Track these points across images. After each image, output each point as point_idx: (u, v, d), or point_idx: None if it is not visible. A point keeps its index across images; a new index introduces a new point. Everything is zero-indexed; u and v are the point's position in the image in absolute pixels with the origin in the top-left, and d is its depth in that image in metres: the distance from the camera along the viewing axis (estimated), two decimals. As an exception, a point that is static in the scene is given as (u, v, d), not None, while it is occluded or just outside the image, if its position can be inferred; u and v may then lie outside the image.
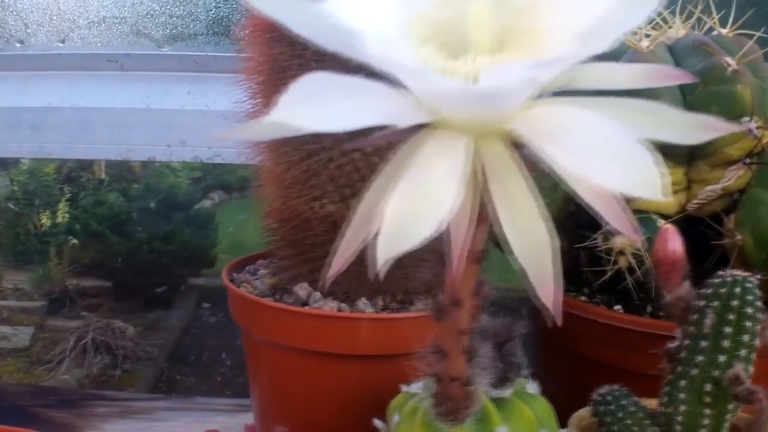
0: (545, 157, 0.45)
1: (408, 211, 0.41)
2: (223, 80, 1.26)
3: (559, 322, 0.45)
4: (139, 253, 2.62)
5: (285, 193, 0.89)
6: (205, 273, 2.85)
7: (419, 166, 0.43)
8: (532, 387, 0.75)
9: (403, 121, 0.42)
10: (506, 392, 0.71)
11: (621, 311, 1.00)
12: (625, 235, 0.47)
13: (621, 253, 0.94)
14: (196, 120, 1.21)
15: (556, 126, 0.41)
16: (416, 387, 0.76)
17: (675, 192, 0.95)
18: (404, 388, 0.78)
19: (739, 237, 0.91)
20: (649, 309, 1.01)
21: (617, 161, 0.40)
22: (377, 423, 0.78)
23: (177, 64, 1.25)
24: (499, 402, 0.70)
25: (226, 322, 2.49)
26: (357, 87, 0.42)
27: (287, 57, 0.86)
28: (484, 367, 0.68)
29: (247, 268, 1.01)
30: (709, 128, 0.43)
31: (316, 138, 0.86)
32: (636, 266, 0.93)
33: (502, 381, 0.70)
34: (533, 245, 0.45)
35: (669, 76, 0.48)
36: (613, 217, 0.45)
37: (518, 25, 0.45)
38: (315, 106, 0.40)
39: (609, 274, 0.95)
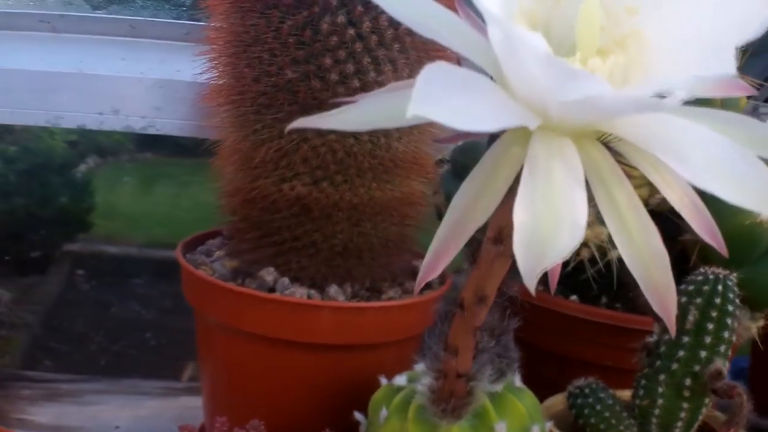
0: (639, 160, 0.44)
1: (540, 223, 0.39)
2: (160, 47, 1.20)
3: (673, 332, 0.45)
4: (14, 216, 2.51)
5: (252, 173, 0.84)
6: (81, 238, 2.75)
7: (538, 172, 0.40)
8: (518, 380, 0.74)
9: (533, 122, 0.40)
10: (498, 386, 0.70)
11: (577, 301, 1.00)
12: (713, 245, 0.46)
13: (584, 244, 0.94)
14: (130, 88, 1.15)
15: (667, 135, 0.40)
16: (401, 380, 0.74)
17: (638, 186, 0.95)
18: (385, 380, 0.76)
19: (701, 233, 0.93)
20: (604, 300, 1.02)
21: (734, 176, 0.39)
22: (358, 416, 0.76)
23: (112, 27, 1.18)
24: (492, 397, 0.69)
25: (100, 289, 2.43)
26: (481, 84, 0.39)
27: (262, 29, 0.82)
28: (485, 362, 0.67)
29: (199, 248, 0.96)
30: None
31: (288, 116, 0.82)
32: (599, 258, 0.93)
33: (497, 376, 0.69)
34: (647, 256, 0.44)
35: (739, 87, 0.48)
36: (703, 228, 0.44)
37: (621, 27, 0.44)
38: (454, 102, 0.37)
39: (571, 265, 0.95)
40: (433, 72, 0.37)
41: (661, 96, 0.38)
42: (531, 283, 0.39)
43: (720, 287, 0.76)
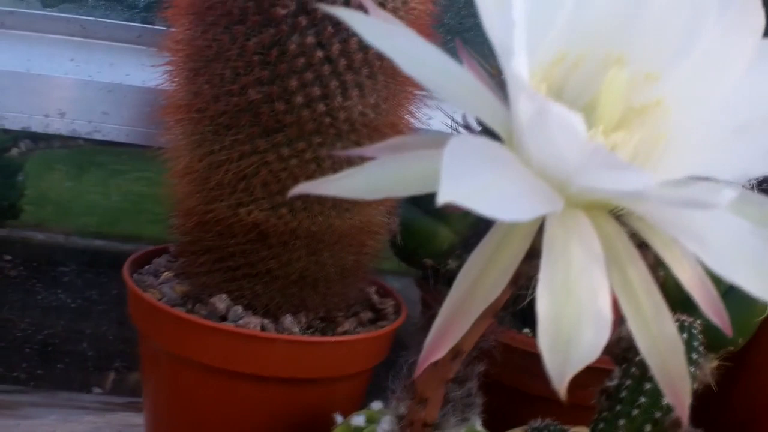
0: (651, 237, 0.42)
1: (563, 316, 0.37)
2: (110, 49, 1.15)
3: (685, 424, 0.43)
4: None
5: (208, 195, 0.81)
6: (9, 224, 2.68)
7: (556, 256, 0.38)
8: (479, 423, 0.72)
9: (559, 206, 0.37)
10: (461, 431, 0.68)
11: (529, 335, 0.98)
12: (720, 326, 0.44)
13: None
14: (78, 90, 1.10)
15: (687, 218, 0.38)
16: (359, 420, 0.71)
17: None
18: (340, 418, 0.73)
19: (661, 274, 0.92)
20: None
21: (758, 267, 0.37)
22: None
23: (62, 26, 1.13)
24: (455, 442, 0.67)
25: (27, 276, 2.37)
26: (508, 164, 0.37)
27: (225, 45, 0.78)
28: (449, 410, 0.65)
29: (146, 267, 0.92)
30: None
31: (249, 138, 0.78)
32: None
33: (460, 422, 0.67)
34: (662, 344, 0.41)
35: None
36: (711, 309, 0.43)
37: (642, 95, 0.41)
38: (487, 192, 0.34)
39: (528, 298, 0.93)
40: (458, 152, 0.34)
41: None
42: (561, 388, 0.37)
43: (685, 335, 0.75)
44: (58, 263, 2.34)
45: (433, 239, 1.00)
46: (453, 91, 0.42)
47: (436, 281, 1.00)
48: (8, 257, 2.65)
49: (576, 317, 0.37)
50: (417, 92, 0.84)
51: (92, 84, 1.11)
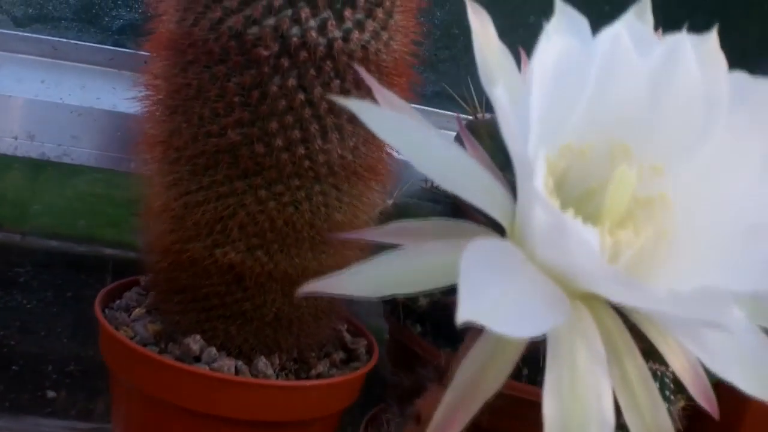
0: (648, 328, 0.42)
1: (572, 420, 0.37)
2: (81, 72, 1.14)
3: None
4: None
5: (184, 235, 0.80)
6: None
7: (561, 356, 0.38)
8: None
9: (567, 316, 0.37)
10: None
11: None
12: (708, 411, 0.45)
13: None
14: (48, 113, 1.08)
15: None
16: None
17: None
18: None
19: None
20: (525, 372, 1.01)
21: (755, 367, 0.37)
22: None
23: (34, 47, 1.11)
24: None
25: None
26: (526, 274, 0.37)
27: (205, 85, 0.77)
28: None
29: (117, 302, 0.91)
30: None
31: (228, 179, 0.78)
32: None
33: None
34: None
35: None
36: (702, 396, 0.43)
37: (646, 188, 0.42)
38: (502, 305, 0.34)
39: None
40: (473, 266, 0.34)
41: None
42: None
43: (657, 383, 0.76)
44: (13, 264, 2.31)
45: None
46: (461, 183, 0.42)
47: (406, 317, 1.00)
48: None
49: (582, 421, 0.37)
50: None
51: (63, 107, 1.09)
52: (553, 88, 0.39)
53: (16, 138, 1.08)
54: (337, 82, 0.77)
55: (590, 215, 0.43)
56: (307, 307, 0.83)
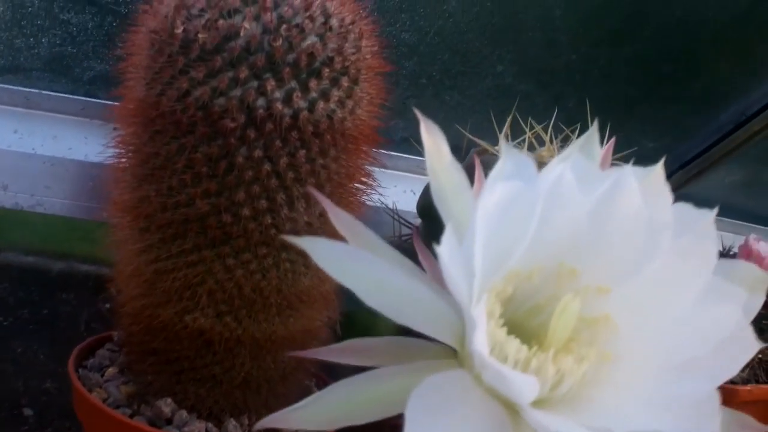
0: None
1: None
2: (54, 122, 1.15)
3: None
4: None
5: (155, 301, 0.81)
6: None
7: None
8: None
9: None
10: None
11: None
12: None
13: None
14: (21, 163, 1.09)
15: None
16: None
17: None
18: None
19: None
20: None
21: None
22: None
23: (6, 97, 1.12)
24: None
25: None
26: (467, 404, 0.39)
27: (173, 155, 0.78)
28: None
29: (90, 361, 0.92)
30: None
31: (196, 248, 0.79)
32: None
33: None
34: None
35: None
36: None
37: (592, 309, 0.44)
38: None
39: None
40: (420, 406, 0.36)
41: None
42: None
43: None
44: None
45: (371, 331, 1.01)
46: (408, 314, 0.43)
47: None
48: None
49: None
50: (363, 200, 0.86)
51: (35, 157, 1.10)
52: (497, 229, 0.41)
53: (-12, 188, 1.09)
54: (303, 152, 0.78)
55: (536, 332, 0.45)
56: (275, 369, 0.85)
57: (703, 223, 0.43)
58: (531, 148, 1.06)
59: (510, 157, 0.44)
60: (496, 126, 1.06)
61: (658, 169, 0.45)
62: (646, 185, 0.44)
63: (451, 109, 1.31)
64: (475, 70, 1.28)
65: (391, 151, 1.21)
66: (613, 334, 0.44)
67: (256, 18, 0.77)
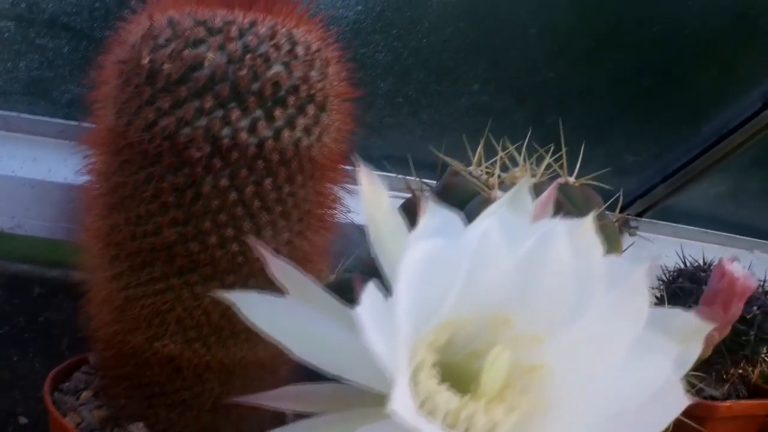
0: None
1: None
2: (33, 144, 1.16)
3: None
4: None
5: (125, 326, 0.82)
6: None
7: None
8: None
9: None
10: None
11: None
12: None
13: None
14: (1, 186, 1.11)
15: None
16: None
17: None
18: None
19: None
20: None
21: None
22: None
23: (-19, 120, 1.14)
24: None
25: None
26: None
27: (141, 184, 0.79)
28: None
29: (66, 385, 0.93)
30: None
31: (165, 276, 0.80)
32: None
33: None
34: None
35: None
36: None
37: (526, 357, 0.44)
38: None
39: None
40: None
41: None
42: None
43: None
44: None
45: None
46: (340, 365, 0.44)
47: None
48: None
49: None
50: (331, 225, 0.87)
51: (15, 179, 1.11)
52: (423, 286, 0.42)
53: (-31, 211, 1.10)
54: (269, 180, 0.79)
55: (475, 376, 0.46)
56: (246, 393, 0.85)
57: (635, 277, 0.44)
58: (504, 169, 1.07)
59: (435, 213, 0.45)
60: (468, 146, 1.07)
61: (588, 223, 0.46)
62: (576, 238, 0.45)
63: (428, 127, 1.32)
64: (451, 89, 1.29)
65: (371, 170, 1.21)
66: (547, 383, 0.45)
67: (221, 48, 0.77)
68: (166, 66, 0.77)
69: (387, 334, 0.41)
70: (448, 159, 1.07)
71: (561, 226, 0.44)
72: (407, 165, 1.11)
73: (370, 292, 0.41)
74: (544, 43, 1.29)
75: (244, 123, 0.78)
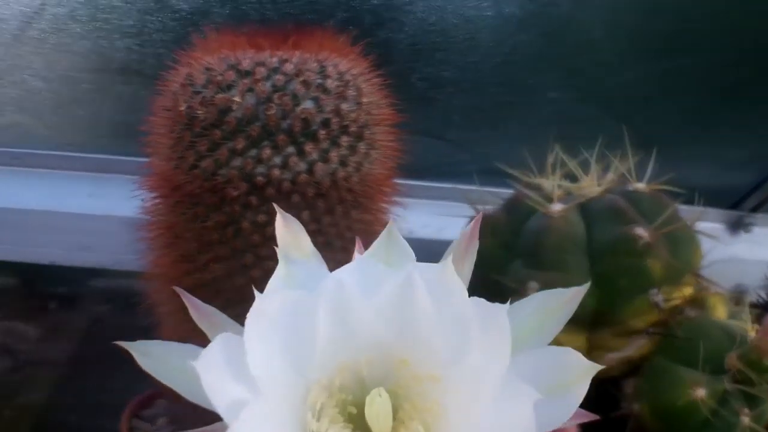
0: None
1: None
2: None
3: None
4: None
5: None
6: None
7: None
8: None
9: None
10: None
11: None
12: None
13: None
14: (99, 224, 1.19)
15: None
16: None
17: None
18: None
19: (636, 406, 0.93)
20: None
21: None
22: None
23: (78, 164, 1.22)
24: None
25: None
26: None
27: (189, 224, 0.83)
28: None
29: (146, 411, 0.98)
30: None
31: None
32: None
33: None
34: None
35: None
36: None
37: (423, 396, 0.45)
38: None
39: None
40: None
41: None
42: None
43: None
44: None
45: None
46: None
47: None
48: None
49: None
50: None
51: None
52: (285, 335, 0.44)
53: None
54: (306, 212, 0.81)
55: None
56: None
57: (496, 319, 0.44)
58: (573, 179, 1.05)
59: (292, 265, 0.47)
60: (550, 156, 1.06)
61: (448, 265, 0.46)
62: (434, 283, 0.45)
63: (510, 139, 1.31)
64: (523, 100, 1.27)
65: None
66: (441, 421, 0.46)
67: (250, 90, 0.81)
68: (200, 111, 0.81)
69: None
70: (514, 172, 1.07)
71: (419, 270, 0.45)
72: (495, 176, 1.11)
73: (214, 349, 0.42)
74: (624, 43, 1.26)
75: (277, 160, 0.81)
